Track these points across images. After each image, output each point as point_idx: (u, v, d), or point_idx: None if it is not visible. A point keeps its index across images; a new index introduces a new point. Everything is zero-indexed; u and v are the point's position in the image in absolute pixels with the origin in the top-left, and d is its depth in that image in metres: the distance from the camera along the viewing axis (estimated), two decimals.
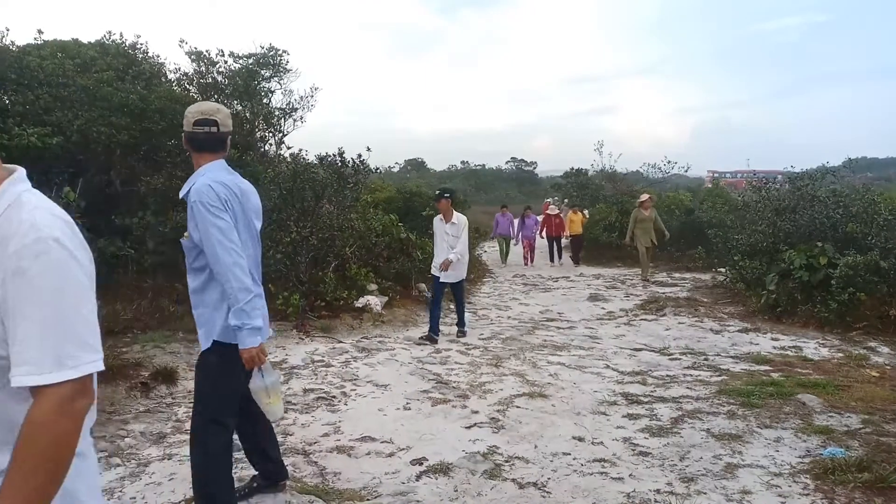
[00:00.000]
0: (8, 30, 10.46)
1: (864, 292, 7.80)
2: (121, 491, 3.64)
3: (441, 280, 7.63)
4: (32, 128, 8.21)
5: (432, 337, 7.50)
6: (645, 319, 9.14)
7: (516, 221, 17.71)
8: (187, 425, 4.67)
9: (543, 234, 17.38)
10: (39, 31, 11.06)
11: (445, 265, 7.45)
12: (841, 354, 6.81)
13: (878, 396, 5.10)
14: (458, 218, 7.65)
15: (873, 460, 3.74)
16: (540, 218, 17.90)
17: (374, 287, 9.13)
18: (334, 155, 9.82)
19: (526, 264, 16.94)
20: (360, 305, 8.57)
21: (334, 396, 5.40)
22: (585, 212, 18.99)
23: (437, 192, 8.06)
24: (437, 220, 7.75)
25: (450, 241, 7.56)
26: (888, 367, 6.23)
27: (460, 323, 8.03)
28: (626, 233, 13.93)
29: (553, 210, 17.89)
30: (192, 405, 5.06)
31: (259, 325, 2.86)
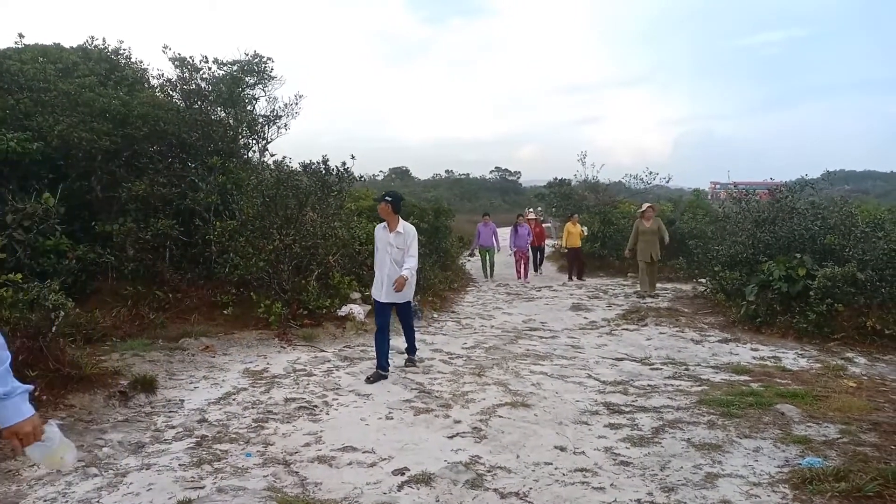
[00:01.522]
0: None
1: (842, 303, 7.91)
2: (98, 501, 3.59)
3: (383, 301, 6.43)
4: (12, 132, 8.14)
5: (380, 373, 6.31)
6: (627, 329, 9.19)
7: (501, 231, 16.91)
8: (167, 435, 4.64)
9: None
10: (20, 35, 10.99)
11: (400, 285, 6.26)
12: (819, 365, 6.89)
13: (856, 406, 5.16)
14: (405, 227, 6.46)
15: (850, 470, 3.78)
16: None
17: (357, 295, 9.10)
18: (318, 163, 9.82)
19: (519, 278, 15.51)
20: (343, 314, 8.54)
21: (316, 406, 5.38)
22: (584, 228, 17.34)
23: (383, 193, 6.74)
24: (380, 229, 6.53)
25: (394, 254, 6.37)
26: (865, 378, 6.31)
27: (410, 349, 6.89)
28: (626, 245, 13.02)
29: (531, 216, 17.29)
30: (171, 414, 5.02)
31: (28, 388, 2.16)
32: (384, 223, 6.49)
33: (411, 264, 6.37)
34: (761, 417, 4.96)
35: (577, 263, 15.82)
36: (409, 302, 6.68)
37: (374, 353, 6.35)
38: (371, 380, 6.18)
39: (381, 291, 6.41)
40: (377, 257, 6.52)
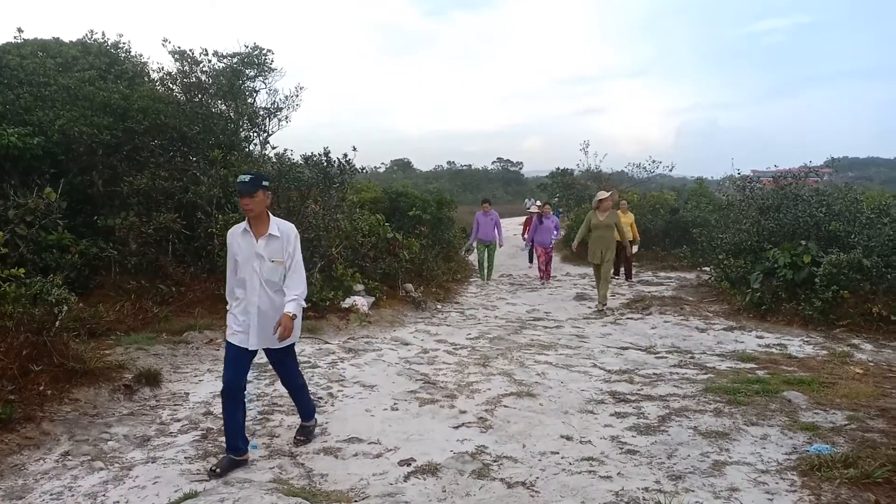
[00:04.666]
0: None
1: (848, 290, 7.88)
2: (104, 495, 3.59)
3: (252, 349, 4.01)
4: (13, 127, 8.11)
5: (232, 459, 3.89)
6: (631, 318, 9.17)
7: (505, 222, 15.61)
8: (172, 428, 4.64)
9: (526, 235, 15.98)
10: (19, 30, 10.97)
11: (287, 328, 3.86)
12: (825, 352, 6.87)
13: (862, 393, 5.15)
14: (281, 227, 4.06)
15: (859, 456, 3.77)
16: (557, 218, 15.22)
17: (360, 287, 9.09)
18: (320, 155, 9.79)
19: (542, 279, 13.23)
20: (347, 306, 8.52)
21: (321, 397, 5.36)
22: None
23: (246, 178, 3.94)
24: (237, 234, 4.05)
25: (266, 271, 3.97)
26: (871, 364, 6.29)
27: (305, 414, 4.47)
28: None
29: (534, 209, 16.70)
30: (176, 407, 5.01)
31: None
32: (244, 224, 4.04)
33: (300, 289, 4.02)
34: (768, 405, 4.94)
35: (623, 259, 12.94)
36: (291, 346, 4.26)
37: (379, 344, 6.10)
38: (217, 471, 3.78)
39: (248, 332, 3.98)
40: (239, 276, 4.04)
